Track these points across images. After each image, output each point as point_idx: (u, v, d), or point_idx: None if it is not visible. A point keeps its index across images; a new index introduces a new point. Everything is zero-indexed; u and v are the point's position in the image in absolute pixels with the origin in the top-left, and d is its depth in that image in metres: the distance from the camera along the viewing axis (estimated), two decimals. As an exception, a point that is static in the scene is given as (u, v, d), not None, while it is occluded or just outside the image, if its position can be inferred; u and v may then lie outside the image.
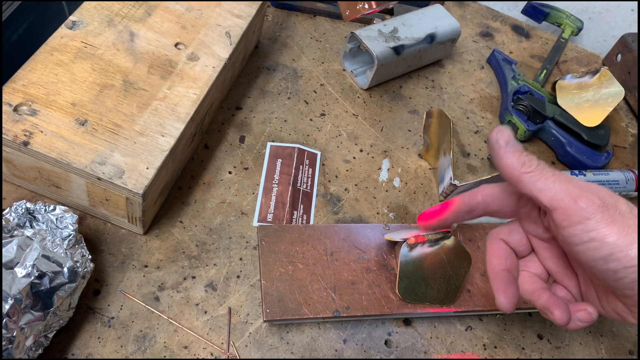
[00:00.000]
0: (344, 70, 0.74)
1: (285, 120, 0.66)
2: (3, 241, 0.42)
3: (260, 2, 0.63)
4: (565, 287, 0.42)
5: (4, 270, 0.40)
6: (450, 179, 0.59)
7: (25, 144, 0.46)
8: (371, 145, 0.67)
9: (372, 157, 0.66)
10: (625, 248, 0.33)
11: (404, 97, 0.73)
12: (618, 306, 0.38)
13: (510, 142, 0.37)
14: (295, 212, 0.58)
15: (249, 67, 0.70)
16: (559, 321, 0.38)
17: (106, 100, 0.50)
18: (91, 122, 0.49)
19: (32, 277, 0.41)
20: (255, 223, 0.57)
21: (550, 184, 0.36)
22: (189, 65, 0.55)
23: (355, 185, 0.63)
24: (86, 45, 0.53)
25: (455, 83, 0.78)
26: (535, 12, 0.89)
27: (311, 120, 0.67)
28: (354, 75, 0.73)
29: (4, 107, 0.47)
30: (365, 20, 0.79)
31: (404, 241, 0.51)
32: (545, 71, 0.81)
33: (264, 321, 0.49)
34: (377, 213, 0.61)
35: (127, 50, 0.54)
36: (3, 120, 0.47)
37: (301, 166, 0.62)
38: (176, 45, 0.56)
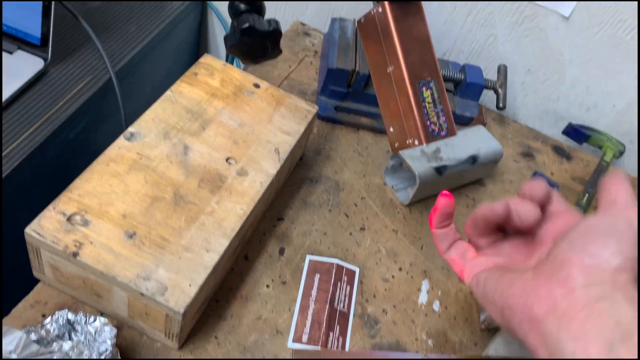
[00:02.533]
0: (384, 184, 0.75)
1: (325, 233, 0.66)
2: (43, 357, 0.42)
3: (308, 121, 0.65)
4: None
5: (39, 388, 0.40)
6: (493, 309, 0.57)
7: (75, 254, 0.47)
8: (410, 264, 0.66)
9: (412, 277, 0.65)
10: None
11: (444, 215, 0.73)
12: None
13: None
14: (331, 334, 0.57)
15: (292, 178, 0.71)
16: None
17: (156, 213, 0.52)
18: (139, 235, 0.50)
19: (66, 398, 0.40)
20: (290, 343, 0.55)
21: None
22: (238, 180, 0.57)
23: (394, 306, 0.61)
24: (141, 156, 0.56)
25: (496, 202, 0.77)
26: (576, 134, 0.90)
27: (351, 234, 0.67)
28: (394, 191, 0.74)
29: (58, 217, 0.49)
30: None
31: (445, 378, 0.49)
32: (587, 195, 0.81)
33: None
34: (416, 339, 0.59)
35: (180, 163, 0.56)
36: (56, 230, 0.48)
37: (339, 283, 0.61)
38: (227, 159, 0.58)
